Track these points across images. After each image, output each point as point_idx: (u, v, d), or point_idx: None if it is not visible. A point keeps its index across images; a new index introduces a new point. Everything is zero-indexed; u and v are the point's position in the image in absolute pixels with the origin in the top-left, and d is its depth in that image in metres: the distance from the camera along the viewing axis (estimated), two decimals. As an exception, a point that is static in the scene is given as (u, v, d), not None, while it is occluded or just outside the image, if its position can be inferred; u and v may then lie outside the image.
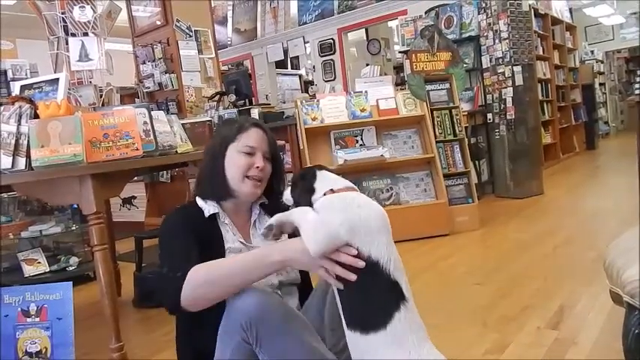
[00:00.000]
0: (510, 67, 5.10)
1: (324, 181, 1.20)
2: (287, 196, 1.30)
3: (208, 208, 1.38)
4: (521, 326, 2.03)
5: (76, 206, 3.78)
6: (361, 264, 1.07)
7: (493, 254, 3.25)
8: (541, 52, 7.05)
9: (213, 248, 1.32)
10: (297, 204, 1.25)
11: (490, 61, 5.32)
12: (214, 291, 1.16)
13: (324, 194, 1.16)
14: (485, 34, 5.36)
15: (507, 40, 5.10)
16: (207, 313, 1.20)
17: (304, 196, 1.20)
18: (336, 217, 1.09)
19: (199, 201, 1.41)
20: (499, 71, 5.21)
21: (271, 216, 1.28)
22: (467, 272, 2.92)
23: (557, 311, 2.14)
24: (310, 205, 1.17)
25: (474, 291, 2.57)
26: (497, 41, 5.20)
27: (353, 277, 1.07)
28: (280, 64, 8.89)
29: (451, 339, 1.93)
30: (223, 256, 1.31)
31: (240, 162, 1.36)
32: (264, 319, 1.13)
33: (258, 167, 1.36)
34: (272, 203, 1.46)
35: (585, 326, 1.96)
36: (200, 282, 1.15)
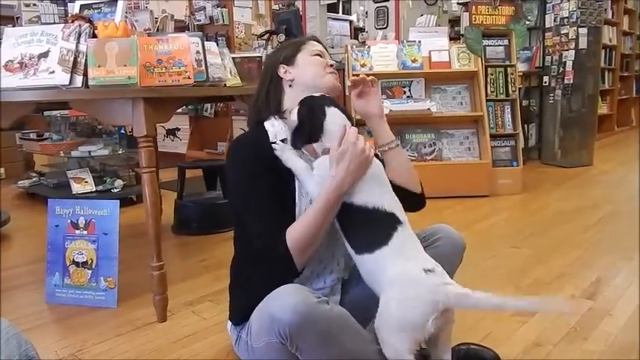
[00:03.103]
0: (575, 28, 4.79)
1: (330, 133, 1.26)
2: (293, 118, 1.30)
3: (276, 131, 1.34)
4: (554, 292, 2.01)
5: (123, 131, 3.89)
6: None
7: (533, 220, 3.18)
8: (610, 16, 6.59)
9: (283, 173, 1.29)
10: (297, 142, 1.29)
11: (554, 21, 5.01)
12: (314, 244, 1.24)
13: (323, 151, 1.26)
14: (552, -9, 5.03)
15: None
16: (257, 268, 1.32)
17: (307, 140, 1.28)
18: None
19: (268, 124, 1.36)
20: (562, 32, 4.91)
21: None
22: (504, 235, 2.88)
23: (594, 282, 2.10)
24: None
25: (509, 253, 2.54)
26: (564, -1, 4.88)
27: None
28: (332, 8, 8.61)
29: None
30: (292, 183, 1.29)
31: (317, 60, 1.41)
32: (302, 334, 1.11)
33: (332, 65, 1.43)
34: None
35: (622, 299, 1.92)
36: (303, 248, 1.22)
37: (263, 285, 1.22)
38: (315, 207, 1.22)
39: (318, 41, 1.47)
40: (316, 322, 1.11)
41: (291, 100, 1.38)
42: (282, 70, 1.39)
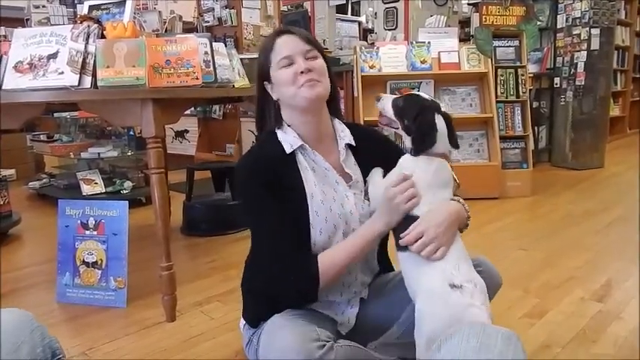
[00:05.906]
0: (588, 29, 4.75)
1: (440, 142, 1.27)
2: (388, 111, 1.30)
3: (290, 140, 1.28)
4: (564, 295, 1.99)
5: (132, 133, 3.92)
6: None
7: (542, 223, 3.16)
8: (623, 17, 6.50)
9: (294, 192, 1.26)
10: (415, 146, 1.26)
11: (566, 21, 4.97)
12: (341, 272, 1.25)
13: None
14: (564, -9, 4.99)
15: (588, -1, 4.74)
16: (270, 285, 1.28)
17: (421, 145, 1.26)
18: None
19: (280, 134, 1.30)
20: (574, 33, 4.87)
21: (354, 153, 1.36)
22: (513, 237, 2.86)
23: (603, 285, 2.08)
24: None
25: (518, 256, 2.52)
26: (576, -1, 4.83)
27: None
28: (340, 9, 8.60)
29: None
30: (304, 198, 1.25)
31: (286, 77, 1.24)
32: None
33: (302, 72, 1.23)
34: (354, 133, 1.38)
35: (633, 303, 1.90)
36: (331, 274, 1.22)
37: (275, 301, 1.24)
38: (355, 238, 1.24)
39: (288, 32, 1.29)
40: None
41: (288, 117, 1.31)
42: (268, 86, 1.31)
